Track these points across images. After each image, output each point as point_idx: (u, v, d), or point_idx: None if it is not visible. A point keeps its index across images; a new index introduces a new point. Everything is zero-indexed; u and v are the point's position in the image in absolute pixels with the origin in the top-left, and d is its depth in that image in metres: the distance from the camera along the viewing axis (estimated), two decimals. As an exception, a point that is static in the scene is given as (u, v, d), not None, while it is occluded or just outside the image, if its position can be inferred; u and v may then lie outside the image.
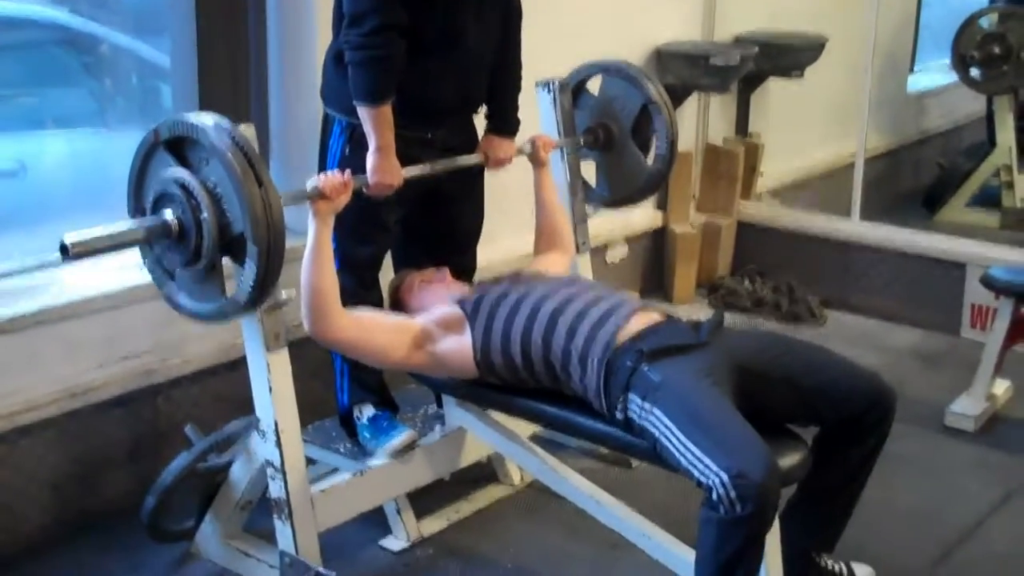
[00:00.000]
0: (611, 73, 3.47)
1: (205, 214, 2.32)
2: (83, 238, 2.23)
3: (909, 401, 3.87)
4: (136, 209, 2.47)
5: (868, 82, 5.09)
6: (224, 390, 3.32)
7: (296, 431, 2.70)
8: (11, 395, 2.92)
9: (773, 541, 2.49)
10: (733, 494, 2.22)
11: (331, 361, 3.10)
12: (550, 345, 2.66)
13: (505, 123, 3.15)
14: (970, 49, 6.16)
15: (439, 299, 2.88)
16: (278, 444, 2.66)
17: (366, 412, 3.06)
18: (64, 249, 2.20)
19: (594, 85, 3.53)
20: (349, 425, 3.11)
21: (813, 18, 5.69)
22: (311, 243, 2.60)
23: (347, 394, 3.09)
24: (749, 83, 5.41)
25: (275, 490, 2.70)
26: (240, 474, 2.86)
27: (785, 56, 5.36)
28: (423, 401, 3.32)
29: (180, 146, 2.38)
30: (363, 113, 2.80)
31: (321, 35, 3.14)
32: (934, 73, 7.44)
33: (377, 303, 3.03)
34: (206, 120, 2.34)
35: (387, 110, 2.80)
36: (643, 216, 5.02)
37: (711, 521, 2.27)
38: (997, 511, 3.37)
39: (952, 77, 7.44)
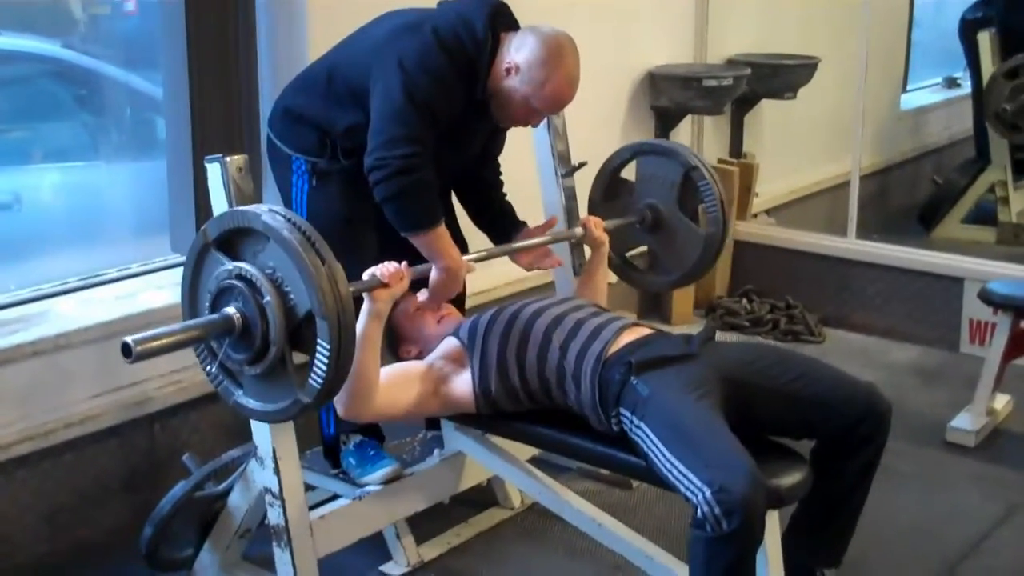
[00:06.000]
0: (645, 152, 3.42)
1: (268, 298, 2.23)
2: (146, 336, 2.17)
3: (909, 417, 3.87)
4: (191, 316, 2.38)
5: (861, 101, 5.10)
6: (221, 418, 3.31)
7: (294, 458, 2.69)
8: (6, 425, 2.91)
9: (776, 558, 2.48)
10: (717, 510, 2.19)
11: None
12: (545, 362, 2.66)
13: (516, 222, 3.14)
14: None
15: (434, 327, 2.90)
16: (276, 471, 2.65)
17: (353, 439, 3.03)
18: (127, 350, 2.14)
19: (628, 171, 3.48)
20: (333, 455, 3.06)
21: (805, 40, 5.72)
22: (362, 327, 2.50)
23: (333, 422, 3.04)
24: (742, 105, 5.42)
25: (273, 517, 2.69)
26: (238, 502, 2.84)
27: (777, 77, 5.39)
28: (416, 427, 3.29)
29: (231, 242, 2.31)
30: (421, 241, 2.74)
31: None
32: (927, 91, 7.48)
33: None
34: (256, 208, 2.29)
35: (444, 229, 2.76)
36: (639, 238, 5.01)
37: (699, 540, 2.24)
38: (999, 526, 3.35)
39: (944, 94, 7.49)
